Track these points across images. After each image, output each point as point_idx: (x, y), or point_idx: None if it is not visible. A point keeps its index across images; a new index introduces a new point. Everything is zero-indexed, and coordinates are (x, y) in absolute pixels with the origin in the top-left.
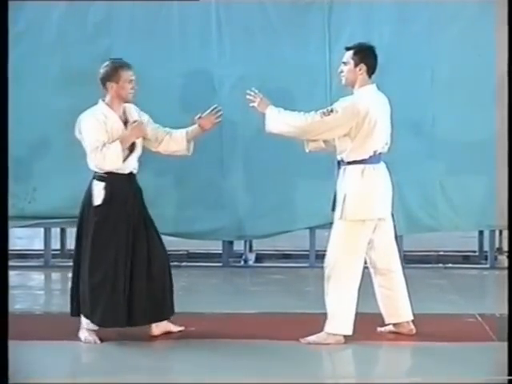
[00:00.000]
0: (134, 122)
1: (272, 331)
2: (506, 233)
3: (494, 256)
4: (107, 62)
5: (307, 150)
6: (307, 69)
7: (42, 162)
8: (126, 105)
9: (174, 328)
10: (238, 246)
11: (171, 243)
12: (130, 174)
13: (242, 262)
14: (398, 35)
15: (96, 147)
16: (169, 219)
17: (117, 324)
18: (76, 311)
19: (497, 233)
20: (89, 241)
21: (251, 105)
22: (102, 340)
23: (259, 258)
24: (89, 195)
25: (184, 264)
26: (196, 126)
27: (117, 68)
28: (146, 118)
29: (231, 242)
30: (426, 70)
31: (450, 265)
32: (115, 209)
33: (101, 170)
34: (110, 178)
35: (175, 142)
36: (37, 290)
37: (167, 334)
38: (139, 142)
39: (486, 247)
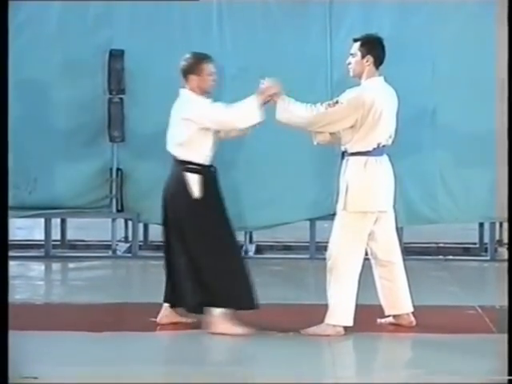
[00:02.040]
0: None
1: (272, 322)
2: (506, 225)
3: (495, 248)
4: (189, 55)
5: (315, 143)
6: (308, 60)
7: (43, 153)
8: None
9: (182, 319)
10: (239, 237)
11: None
12: (211, 165)
13: (243, 253)
14: (398, 27)
15: (222, 107)
16: None
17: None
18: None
19: (497, 225)
20: (196, 233)
21: (269, 92)
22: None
23: (259, 249)
24: (184, 189)
25: None
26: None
27: (199, 61)
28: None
29: None
30: (427, 62)
31: (451, 257)
32: (213, 199)
33: (226, 131)
34: (203, 170)
35: (247, 114)
36: (37, 281)
37: (166, 326)
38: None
39: (487, 239)
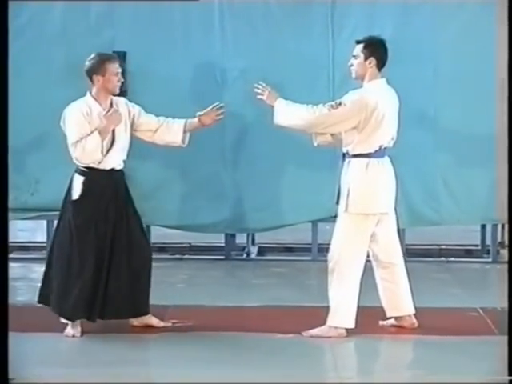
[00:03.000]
0: (109, 111)
1: (274, 324)
2: (507, 226)
3: (496, 250)
4: (93, 55)
5: (315, 144)
6: (310, 61)
7: (45, 154)
8: (115, 98)
9: (157, 323)
10: (241, 238)
11: (173, 236)
12: (112, 170)
13: (244, 255)
14: (400, 28)
15: (76, 140)
16: (171, 212)
17: (88, 317)
18: (44, 300)
19: (499, 227)
20: (66, 234)
21: (259, 97)
22: (82, 334)
23: (261, 251)
24: (69, 189)
25: (186, 257)
26: (196, 119)
27: (103, 61)
28: (137, 109)
29: (233, 235)
30: (429, 63)
31: (452, 259)
32: (92, 204)
33: (81, 163)
34: (89, 172)
35: (171, 132)
36: (39, 283)
37: (170, 328)
38: (122, 137)
39: (489, 241)
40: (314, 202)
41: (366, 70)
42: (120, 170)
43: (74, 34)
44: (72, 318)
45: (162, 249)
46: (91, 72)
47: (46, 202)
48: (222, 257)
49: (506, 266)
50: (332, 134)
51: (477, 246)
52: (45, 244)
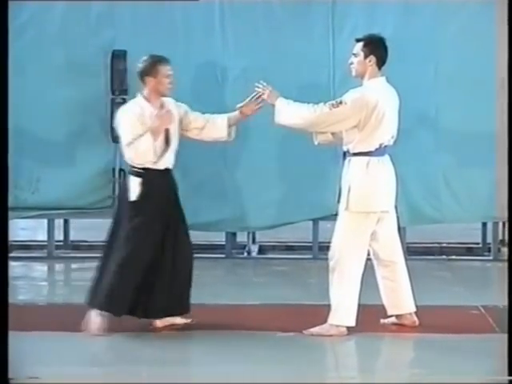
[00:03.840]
0: (159, 111)
1: (275, 323)
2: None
3: (498, 248)
4: (146, 57)
5: (316, 143)
6: (311, 60)
7: (46, 153)
8: (164, 98)
9: (180, 320)
10: (242, 237)
11: None
12: (166, 169)
13: (245, 254)
14: (401, 27)
15: (129, 141)
16: None
17: (132, 314)
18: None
19: (500, 225)
20: (123, 235)
21: (260, 96)
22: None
23: (262, 249)
24: (124, 190)
25: None
26: (237, 112)
27: (155, 63)
28: (183, 108)
29: (234, 234)
30: (430, 62)
31: (454, 257)
32: (151, 205)
33: (136, 164)
34: (146, 173)
35: (216, 128)
36: (40, 281)
37: (171, 325)
38: (175, 137)
39: (490, 239)
40: (314, 200)
41: (365, 68)
42: (171, 169)
43: (75, 33)
44: (117, 314)
45: None
46: (143, 73)
47: (47, 200)
48: (223, 255)
49: (506, 264)
50: (333, 133)
51: (478, 243)
52: (46, 243)
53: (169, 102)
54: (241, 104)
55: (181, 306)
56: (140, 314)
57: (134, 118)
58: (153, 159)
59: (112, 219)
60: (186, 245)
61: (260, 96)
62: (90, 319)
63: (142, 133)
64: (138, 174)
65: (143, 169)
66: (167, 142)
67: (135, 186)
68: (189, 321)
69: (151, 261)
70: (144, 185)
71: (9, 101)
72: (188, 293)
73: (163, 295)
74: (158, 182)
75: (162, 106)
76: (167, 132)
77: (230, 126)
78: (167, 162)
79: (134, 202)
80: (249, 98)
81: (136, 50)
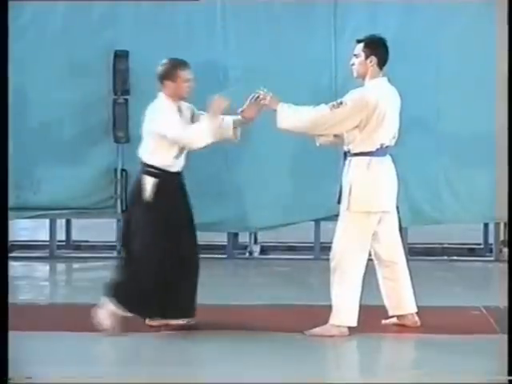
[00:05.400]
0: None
1: (276, 323)
2: None
3: (499, 248)
4: (166, 60)
5: (317, 144)
6: (313, 61)
7: (47, 153)
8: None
9: (175, 320)
10: (243, 237)
11: None
12: (178, 172)
13: (247, 254)
14: (403, 28)
15: (180, 127)
16: None
17: (150, 315)
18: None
19: (501, 225)
20: (139, 235)
21: (262, 102)
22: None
23: (264, 249)
24: (138, 190)
25: None
26: (240, 117)
27: (175, 67)
28: (192, 109)
29: (236, 234)
30: (431, 63)
31: (455, 257)
32: (166, 206)
33: (194, 147)
34: (161, 174)
35: (223, 128)
36: (42, 281)
37: (170, 325)
38: None
39: (491, 239)
40: (316, 200)
41: (366, 69)
42: (181, 172)
43: (76, 34)
44: (137, 314)
45: None
46: (163, 77)
47: (49, 200)
48: (225, 256)
49: (507, 265)
50: (334, 135)
51: (479, 244)
52: (47, 243)
53: (182, 104)
54: (241, 108)
55: (189, 309)
56: (158, 314)
57: (171, 109)
58: (172, 162)
59: (124, 221)
60: (195, 246)
61: (260, 98)
62: (102, 318)
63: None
64: (153, 175)
65: (158, 170)
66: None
67: (150, 186)
68: (184, 322)
69: (164, 260)
70: (159, 186)
71: (10, 101)
72: (196, 295)
73: (175, 295)
74: (172, 183)
75: (179, 109)
76: None
77: (235, 126)
78: (180, 165)
79: (148, 201)
80: (248, 102)
81: (138, 50)
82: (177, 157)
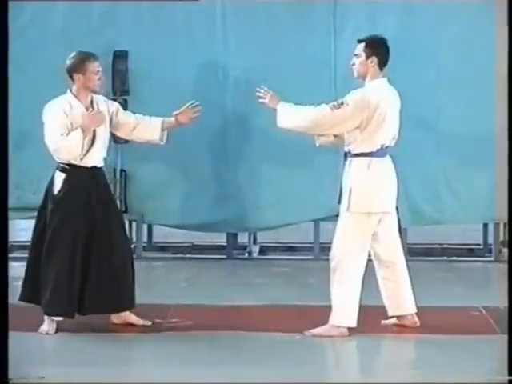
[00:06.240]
0: (91, 110)
1: (276, 323)
2: None
3: (499, 249)
4: (74, 54)
5: (317, 144)
6: (312, 61)
7: (47, 153)
8: (94, 95)
9: (137, 321)
10: (242, 238)
11: (175, 235)
12: (93, 167)
13: (246, 255)
14: (402, 28)
15: (56, 136)
16: (173, 211)
17: (63, 314)
18: (26, 297)
19: (501, 226)
20: (44, 230)
21: (261, 101)
22: (56, 331)
23: (263, 250)
24: (50, 185)
25: (188, 256)
26: (173, 118)
27: (83, 60)
28: (115, 106)
29: (235, 235)
30: (431, 63)
31: (455, 258)
32: (72, 200)
33: (60, 159)
34: (71, 169)
35: (148, 130)
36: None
37: (172, 327)
38: (104, 135)
39: (491, 240)
40: (315, 201)
41: (367, 69)
42: (101, 168)
43: (76, 33)
44: (49, 313)
45: (164, 248)
46: (72, 70)
47: None
48: (224, 256)
49: (507, 265)
50: (335, 135)
51: (479, 244)
52: None
53: (99, 98)
54: (177, 112)
55: (123, 303)
56: (72, 313)
57: (62, 114)
58: (79, 156)
59: (37, 214)
60: (123, 244)
61: (196, 107)
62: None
63: (71, 129)
64: (62, 170)
65: (68, 165)
66: (94, 139)
67: (59, 181)
68: (149, 323)
69: (74, 257)
70: (68, 181)
71: (9, 101)
72: (131, 289)
73: (96, 289)
74: (82, 179)
75: (92, 103)
76: (94, 130)
77: (163, 129)
78: (95, 159)
79: (55, 196)
80: (185, 106)
81: (137, 51)
82: (87, 151)
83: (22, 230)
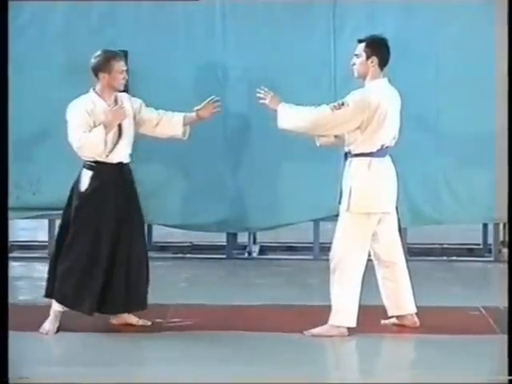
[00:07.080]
0: (113, 106)
1: (275, 323)
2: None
3: (498, 249)
4: (99, 52)
5: (318, 145)
6: (312, 60)
7: (47, 153)
8: (118, 94)
9: (136, 321)
10: (242, 238)
11: (175, 235)
12: (120, 163)
13: (246, 254)
14: (402, 28)
15: (79, 133)
16: (173, 211)
17: (86, 311)
18: (50, 294)
19: (501, 226)
20: (70, 226)
21: (261, 102)
22: (58, 331)
23: (263, 250)
24: (77, 182)
25: (188, 256)
26: (194, 114)
27: (109, 59)
28: (138, 103)
29: (235, 234)
30: (431, 63)
31: (454, 258)
32: (99, 197)
33: (84, 156)
34: (98, 167)
35: (171, 125)
36: (41, 282)
37: (173, 327)
38: (129, 131)
39: (490, 240)
40: (315, 201)
41: (367, 69)
42: (127, 164)
43: (76, 33)
44: (73, 308)
45: (163, 248)
46: (97, 69)
47: (48, 201)
48: (224, 256)
49: (507, 265)
50: (335, 136)
51: (478, 245)
52: (46, 243)
53: (123, 96)
54: (198, 106)
55: (136, 303)
56: (92, 309)
57: (84, 113)
58: (102, 152)
59: (62, 212)
60: (141, 242)
61: (216, 102)
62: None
63: (93, 126)
64: (89, 167)
65: (95, 162)
66: (120, 136)
67: (86, 179)
68: (148, 323)
69: (99, 252)
70: (95, 178)
71: (9, 101)
72: (145, 290)
73: (117, 288)
74: (109, 175)
75: (115, 101)
76: (120, 126)
77: (185, 124)
78: (121, 156)
79: (82, 193)
80: (206, 101)
81: (137, 51)
82: (112, 148)
83: (21, 229)
